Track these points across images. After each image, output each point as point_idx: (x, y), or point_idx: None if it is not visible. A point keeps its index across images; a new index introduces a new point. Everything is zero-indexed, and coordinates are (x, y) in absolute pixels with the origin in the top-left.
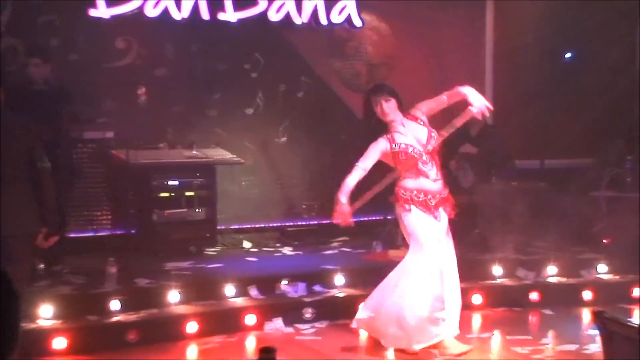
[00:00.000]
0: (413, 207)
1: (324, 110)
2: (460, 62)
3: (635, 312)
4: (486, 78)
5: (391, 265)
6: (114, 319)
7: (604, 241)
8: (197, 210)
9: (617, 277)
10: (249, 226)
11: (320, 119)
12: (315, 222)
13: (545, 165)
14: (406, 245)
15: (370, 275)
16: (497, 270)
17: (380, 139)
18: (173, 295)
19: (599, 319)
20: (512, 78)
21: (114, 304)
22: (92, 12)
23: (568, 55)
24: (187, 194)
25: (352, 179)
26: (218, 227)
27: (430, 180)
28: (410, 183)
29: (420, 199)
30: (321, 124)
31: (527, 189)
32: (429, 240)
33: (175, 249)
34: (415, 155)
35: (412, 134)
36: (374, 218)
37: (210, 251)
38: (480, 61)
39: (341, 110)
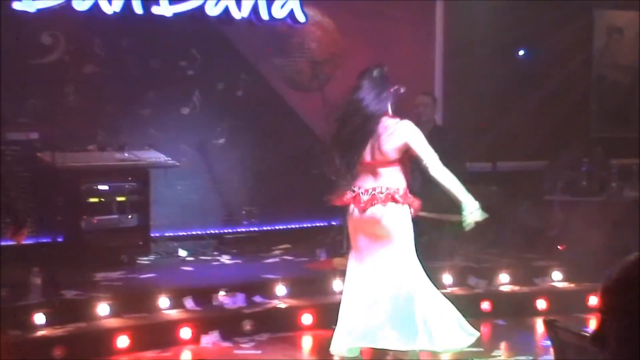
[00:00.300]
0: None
1: (265, 110)
2: (409, 60)
3: (592, 322)
4: (436, 77)
5: (336, 274)
6: (39, 333)
7: (559, 247)
8: (129, 216)
9: (572, 285)
10: (184, 233)
11: (261, 119)
12: (256, 229)
13: (498, 168)
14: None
15: (313, 285)
16: (446, 278)
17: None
18: (103, 308)
19: (551, 329)
20: (464, 77)
21: (39, 318)
22: (16, 5)
23: (521, 52)
24: (119, 199)
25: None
26: (151, 235)
27: None
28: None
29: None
30: (262, 125)
31: (479, 193)
32: None
33: (105, 258)
34: None
35: None
36: (317, 224)
37: (143, 260)
38: (429, 59)
39: (283, 110)
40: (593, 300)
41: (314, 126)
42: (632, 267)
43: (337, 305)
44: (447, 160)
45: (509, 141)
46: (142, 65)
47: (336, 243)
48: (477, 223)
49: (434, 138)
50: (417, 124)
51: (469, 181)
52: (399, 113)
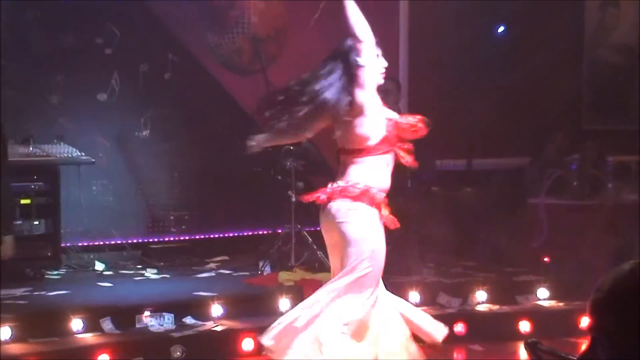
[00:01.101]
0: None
1: (198, 97)
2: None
3: (583, 347)
4: (400, 60)
5: (282, 290)
6: None
7: (545, 260)
8: (35, 222)
9: (560, 304)
10: (101, 243)
11: (193, 107)
12: (187, 238)
13: (473, 166)
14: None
15: (256, 305)
16: (413, 296)
17: None
18: (4, 332)
19: (534, 352)
20: (433, 60)
21: None
22: None
23: (501, 29)
24: (22, 202)
25: None
26: (62, 245)
27: None
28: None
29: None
30: (194, 114)
31: (451, 196)
32: None
33: (6, 271)
34: None
35: None
36: (260, 232)
37: (53, 275)
38: (393, 39)
39: (219, 97)
40: (585, 322)
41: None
42: (628, 278)
43: None
44: (414, 156)
45: (486, 135)
46: (49, 43)
47: (282, 254)
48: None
49: None
50: None
51: (438, 182)
52: None
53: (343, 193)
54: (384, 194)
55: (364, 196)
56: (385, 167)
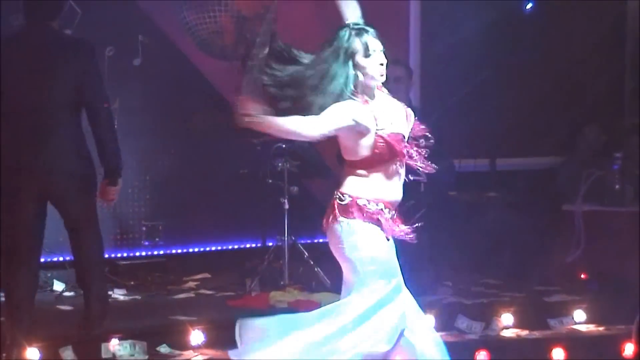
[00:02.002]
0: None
1: (172, 86)
2: (373, 17)
3: None
4: (411, 42)
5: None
6: None
7: (582, 277)
8: None
9: (600, 328)
10: (60, 259)
11: (168, 98)
12: (161, 252)
13: (498, 166)
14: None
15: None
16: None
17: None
18: None
19: None
20: (450, 42)
21: None
22: None
23: (529, 6)
24: None
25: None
26: None
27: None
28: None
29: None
30: (167, 106)
31: (472, 201)
32: None
33: None
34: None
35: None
36: (248, 245)
37: (2, 296)
38: (403, 16)
39: (197, 86)
40: (629, 349)
41: None
42: None
43: None
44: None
45: (512, 131)
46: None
47: (274, 271)
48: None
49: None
50: None
51: (457, 185)
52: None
53: (334, 210)
54: (382, 206)
55: (354, 210)
56: (385, 177)
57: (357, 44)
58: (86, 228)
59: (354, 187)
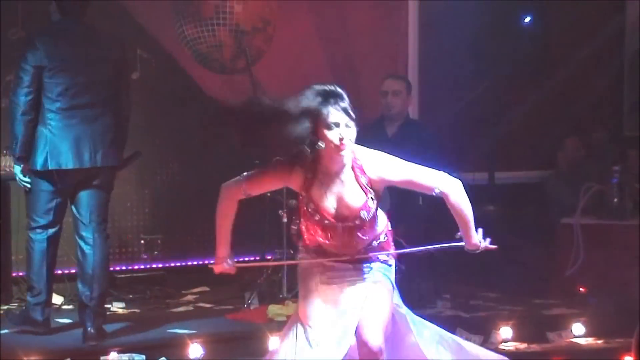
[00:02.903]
0: None
1: (171, 100)
2: (373, 31)
3: None
4: (410, 56)
5: (272, 328)
6: None
7: (581, 290)
8: None
9: (599, 341)
10: (59, 272)
11: (166, 111)
12: (159, 266)
13: (497, 180)
14: None
15: (240, 344)
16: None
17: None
18: None
19: None
20: (448, 55)
21: None
22: None
23: (527, 20)
24: None
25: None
26: (13, 274)
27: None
28: None
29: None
30: (167, 119)
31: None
32: None
33: None
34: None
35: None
36: (246, 258)
37: (1, 310)
38: (401, 30)
39: (196, 99)
40: None
41: None
42: None
43: None
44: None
45: (511, 144)
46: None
47: (272, 284)
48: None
49: (406, 137)
50: (385, 118)
51: None
52: (361, 104)
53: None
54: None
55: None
56: None
57: (321, 112)
58: (102, 229)
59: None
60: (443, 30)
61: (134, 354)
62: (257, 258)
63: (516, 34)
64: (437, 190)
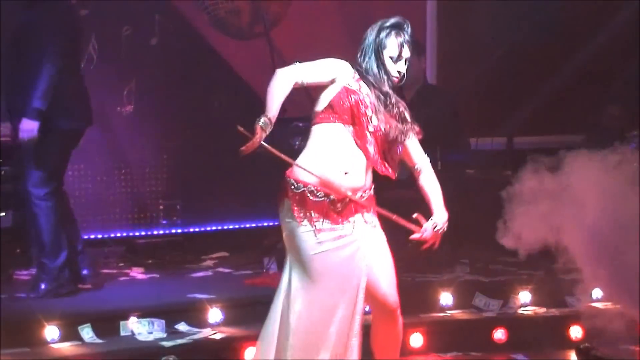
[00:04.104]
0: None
1: (189, 66)
2: None
3: None
4: (428, 18)
5: None
6: None
7: None
8: (1, 213)
9: (618, 305)
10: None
11: (184, 77)
12: (179, 231)
13: (515, 145)
14: None
15: (259, 309)
16: (445, 298)
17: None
18: None
19: (586, 358)
20: (466, 18)
21: None
22: None
23: None
24: None
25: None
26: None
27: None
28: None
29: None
30: (185, 86)
31: (489, 180)
32: None
33: None
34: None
35: None
36: (265, 224)
37: (22, 275)
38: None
39: (214, 65)
40: None
41: (258, 86)
42: None
43: None
44: (444, 133)
45: (531, 108)
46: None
47: None
48: None
49: (424, 102)
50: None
51: (474, 164)
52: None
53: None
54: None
55: None
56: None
57: (391, 42)
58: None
59: None
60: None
61: (153, 319)
62: (276, 223)
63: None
64: (421, 163)
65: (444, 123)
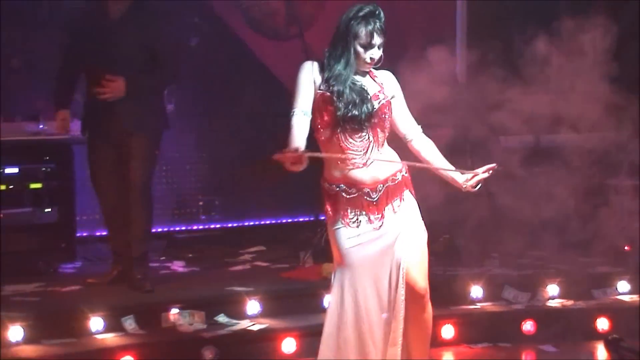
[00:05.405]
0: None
1: (227, 66)
2: None
3: None
4: (458, 18)
5: (326, 285)
6: None
7: (626, 248)
8: (46, 210)
9: None
10: (84, 234)
11: (222, 77)
12: (217, 226)
13: (542, 142)
14: None
15: (297, 301)
16: (475, 291)
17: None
18: (14, 332)
19: (615, 350)
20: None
21: None
22: None
23: None
24: (32, 186)
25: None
26: (78, 235)
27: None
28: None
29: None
30: (223, 85)
31: (517, 176)
32: None
33: (15, 265)
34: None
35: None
36: (301, 219)
37: (67, 268)
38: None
39: (251, 65)
40: None
41: (292, 86)
42: None
43: None
44: (472, 129)
45: (559, 105)
46: (57, 6)
47: (326, 244)
48: None
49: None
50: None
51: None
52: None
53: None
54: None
55: None
56: None
57: (361, 31)
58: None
59: None
60: None
61: (194, 310)
62: (312, 218)
63: None
64: (410, 133)
65: (473, 120)
